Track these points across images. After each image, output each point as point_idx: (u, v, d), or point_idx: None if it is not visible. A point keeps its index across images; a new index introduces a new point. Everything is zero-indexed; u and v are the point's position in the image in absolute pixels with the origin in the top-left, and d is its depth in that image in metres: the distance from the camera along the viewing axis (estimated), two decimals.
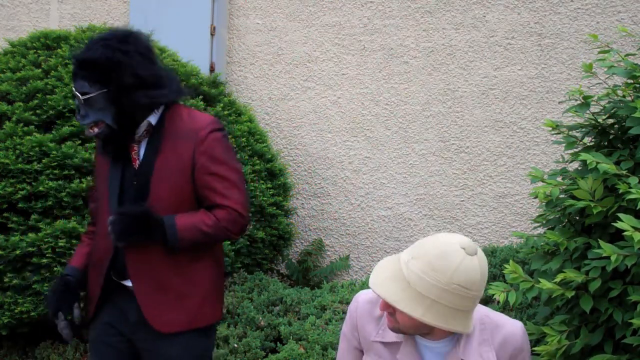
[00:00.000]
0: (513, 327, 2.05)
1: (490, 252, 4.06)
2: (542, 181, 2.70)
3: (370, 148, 4.84)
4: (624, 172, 2.48)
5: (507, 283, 2.78)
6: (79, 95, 2.35)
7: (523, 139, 4.54)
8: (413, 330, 1.94)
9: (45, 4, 5.62)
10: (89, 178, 3.71)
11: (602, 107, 2.80)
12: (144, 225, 2.36)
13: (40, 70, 4.01)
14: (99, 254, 2.52)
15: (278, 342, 3.74)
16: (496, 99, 4.58)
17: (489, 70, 4.58)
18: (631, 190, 2.37)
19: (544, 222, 2.84)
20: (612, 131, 2.77)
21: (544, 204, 2.79)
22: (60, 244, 3.58)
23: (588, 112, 2.78)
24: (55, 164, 3.72)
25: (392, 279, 1.89)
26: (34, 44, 4.19)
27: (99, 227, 2.54)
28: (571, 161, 2.78)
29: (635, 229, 2.33)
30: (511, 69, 4.54)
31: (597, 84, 3.58)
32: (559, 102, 4.18)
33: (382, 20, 4.79)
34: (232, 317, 3.88)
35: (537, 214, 2.94)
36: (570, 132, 2.82)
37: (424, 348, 2.03)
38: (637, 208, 2.37)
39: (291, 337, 3.68)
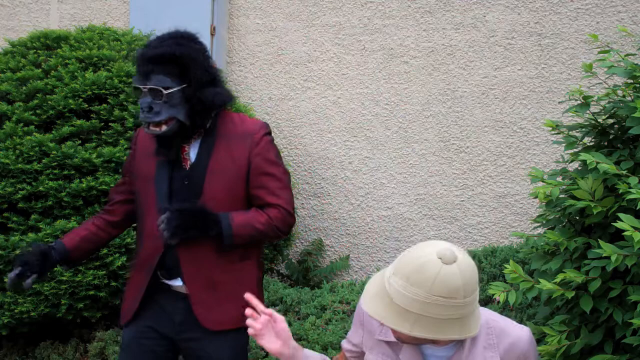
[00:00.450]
0: (520, 333, 2.01)
1: (490, 252, 4.06)
2: (542, 181, 2.71)
3: (370, 148, 4.84)
4: (624, 172, 2.48)
5: (507, 283, 2.78)
6: (162, 90, 2.38)
7: (523, 139, 4.54)
8: (416, 341, 1.91)
9: (45, 4, 5.62)
10: (89, 178, 3.71)
11: (602, 107, 2.80)
12: (201, 221, 2.41)
13: (40, 70, 4.01)
14: (145, 254, 2.53)
15: None
16: (496, 99, 4.58)
17: (489, 70, 4.58)
18: (631, 190, 2.37)
19: (544, 222, 2.84)
20: (612, 131, 2.77)
21: (544, 204, 2.79)
22: None
23: (588, 112, 2.78)
24: (55, 164, 3.72)
25: (378, 295, 1.87)
26: (34, 44, 4.20)
27: (143, 228, 2.55)
28: (571, 161, 2.78)
29: (635, 229, 2.33)
30: (511, 69, 4.54)
31: (597, 84, 3.58)
32: (559, 102, 4.18)
33: (382, 20, 4.79)
34: None
35: (537, 214, 2.94)
36: (570, 132, 2.82)
37: (427, 350, 2.01)
38: (637, 208, 2.37)
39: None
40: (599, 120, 2.81)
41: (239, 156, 2.48)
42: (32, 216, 3.68)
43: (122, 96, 3.90)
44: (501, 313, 3.60)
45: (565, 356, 2.58)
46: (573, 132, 2.84)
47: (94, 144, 3.83)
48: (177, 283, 2.53)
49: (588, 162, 2.51)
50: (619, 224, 2.34)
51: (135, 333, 2.58)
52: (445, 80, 4.67)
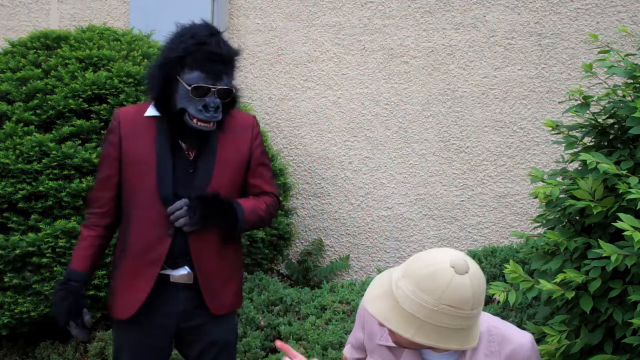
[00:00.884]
0: (522, 340, 1.99)
1: (490, 252, 4.06)
2: (542, 181, 2.70)
3: (370, 148, 4.84)
4: (624, 172, 2.48)
5: (507, 283, 2.78)
6: (233, 90, 2.52)
7: (523, 139, 4.54)
8: (414, 347, 1.89)
9: (45, 4, 5.62)
10: (89, 178, 3.71)
11: (602, 107, 2.80)
12: (223, 209, 2.50)
13: (40, 70, 4.01)
14: (144, 244, 2.51)
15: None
16: (496, 99, 4.58)
17: (489, 70, 4.58)
18: (631, 190, 2.37)
19: (544, 222, 2.84)
20: (612, 131, 2.77)
21: (544, 204, 2.79)
22: (60, 244, 3.58)
23: (588, 112, 2.78)
24: (55, 164, 3.72)
25: (383, 296, 1.84)
26: (34, 44, 4.20)
27: (137, 216, 2.52)
28: (571, 161, 2.78)
29: (635, 228, 2.33)
30: (511, 69, 4.54)
31: (597, 84, 3.58)
32: (559, 102, 4.18)
33: (382, 20, 4.79)
34: None
35: (537, 214, 2.94)
36: (570, 132, 2.82)
37: (428, 355, 2.00)
38: (637, 208, 2.37)
39: (291, 337, 3.69)
40: (599, 120, 2.81)
41: (242, 147, 2.60)
42: (32, 216, 3.68)
43: (122, 96, 3.90)
44: (501, 313, 3.60)
45: (565, 356, 2.57)
46: (573, 132, 2.84)
47: (94, 144, 3.83)
48: (182, 272, 2.53)
49: (588, 162, 2.51)
50: (619, 224, 2.34)
51: (143, 333, 2.57)
52: (445, 80, 4.67)
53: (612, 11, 4.37)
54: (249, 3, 5.08)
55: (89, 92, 3.88)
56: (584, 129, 2.81)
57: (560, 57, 4.45)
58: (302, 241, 5.02)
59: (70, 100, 3.85)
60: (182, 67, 2.45)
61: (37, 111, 3.86)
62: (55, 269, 3.60)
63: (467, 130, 4.64)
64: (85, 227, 2.60)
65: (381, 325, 1.87)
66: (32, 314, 3.64)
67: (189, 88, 2.43)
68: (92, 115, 3.90)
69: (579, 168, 2.76)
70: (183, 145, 2.54)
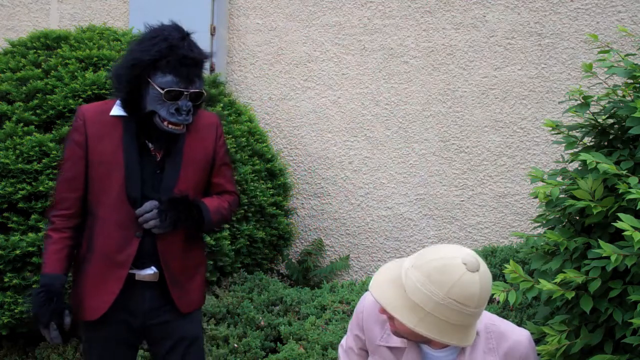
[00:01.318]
0: (519, 337, 2.01)
1: (490, 252, 4.06)
2: (542, 181, 2.71)
3: (370, 148, 4.84)
4: (624, 172, 2.48)
5: (507, 283, 2.78)
6: (204, 93, 2.49)
7: (523, 139, 4.54)
8: (412, 337, 1.92)
9: (45, 4, 5.62)
10: None
11: (602, 107, 2.80)
12: (191, 211, 2.51)
13: (40, 70, 4.01)
14: (111, 246, 2.49)
15: (278, 342, 3.74)
16: (496, 99, 4.58)
17: (489, 70, 4.58)
18: (631, 190, 2.37)
19: (544, 222, 2.84)
20: (612, 131, 2.77)
21: (544, 204, 2.79)
22: None
23: (588, 112, 2.78)
24: (55, 164, 3.72)
25: (391, 284, 1.87)
26: (34, 44, 4.19)
27: (103, 217, 2.50)
28: (571, 161, 2.78)
29: (635, 229, 2.33)
30: (511, 69, 4.54)
31: (597, 84, 3.58)
32: (559, 102, 4.18)
33: (382, 20, 4.79)
34: (232, 317, 3.88)
35: (537, 214, 2.94)
36: (570, 132, 2.82)
37: (428, 355, 2.01)
38: (637, 208, 2.37)
39: (291, 337, 3.69)
40: (599, 120, 2.81)
41: (208, 147, 2.62)
42: (32, 216, 3.68)
43: None
44: (501, 313, 3.60)
45: (565, 356, 2.58)
46: (573, 132, 2.84)
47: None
48: (148, 272, 2.54)
49: (588, 162, 2.51)
50: (619, 224, 2.34)
51: (112, 331, 2.57)
52: (445, 80, 4.67)
53: (612, 11, 4.37)
54: (249, 3, 5.08)
55: (89, 92, 3.88)
56: (584, 129, 2.81)
57: (560, 57, 4.45)
58: (302, 241, 5.02)
59: (70, 100, 3.85)
60: (155, 70, 2.42)
61: (37, 111, 3.86)
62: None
63: (467, 130, 4.64)
64: (54, 230, 2.54)
65: (382, 312, 1.89)
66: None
67: (162, 92, 2.41)
68: None
69: (579, 168, 2.76)
70: (150, 146, 2.53)
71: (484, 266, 1.85)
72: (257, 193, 4.27)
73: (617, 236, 2.53)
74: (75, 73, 3.95)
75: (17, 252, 3.56)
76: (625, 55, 2.80)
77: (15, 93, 3.93)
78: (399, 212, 4.79)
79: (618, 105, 2.69)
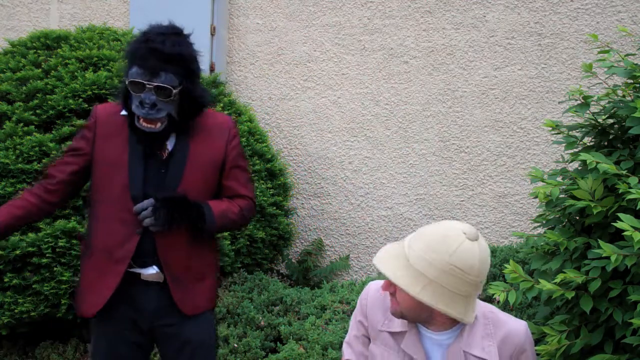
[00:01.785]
0: (516, 325, 2.07)
1: (491, 252, 4.06)
2: (542, 181, 2.71)
3: (370, 148, 4.84)
4: (624, 172, 2.48)
5: (507, 283, 2.78)
6: (172, 89, 2.41)
7: (523, 139, 4.54)
8: (413, 313, 1.98)
9: (45, 4, 5.62)
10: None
11: (602, 107, 2.80)
12: (187, 210, 2.47)
13: (40, 70, 4.01)
14: (111, 242, 2.50)
15: (278, 342, 3.74)
16: (496, 99, 4.58)
17: (489, 70, 4.58)
18: (631, 190, 2.37)
19: (544, 222, 2.84)
20: (612, 131, 2.77)
21: (544, 204, 2.79)
22: (60, 244, 3.58)
23: (588, 112, 2.78)
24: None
25: (394, 257, 1.97)
26: (34, 44, 4.20)
27: (106, 214, 2.52)
28: (571, 161, 2.78)
29: (635, 229, 2.33)
30: (511, 69, 4.54)
31: (597, 84, 3.58)
32: (559, 102, 4.18)
33: (382, 20, 4.79)
34: (232, 317, 3.88)
35: (537, 214, 2.94)
36: (570, 132, 2.82)
37: (427, 339, 2.07)
38: (637, 208, 2.37)
39: (291, 337, 3.69)
40: (599, 120, 2.81)
41: (217, 148, 2.57)
42: None
43: None
44: None
45: (565, 356, 2.58)
46: (573, 132, 2.84)
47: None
48: (151, 271, 2.54)
49: (588, 162, 2.51)
50: (619, 224, 2.34)
51: (117, 327, 2.57)
52: (445, 80, 4.67)
53: (612, 11, 4.37)
54: (249, 3, 5.08)
55: (89, 92, 3.88)
56: (584, 129, 2.81)
57: (560, 57, 4.45)
58: (302, 241, 5.02)
59: (70, 100, 3.85)
60: (129, 64, 2.46)
61: (37, 111, 3.86)
62: (55, 269, 3.60)
63: (467, 130, 4.64)
64: (27, 191, 2.56)
65: (387, 289, 1.97)
66: (32, 314, 3.64)
67: (127, 83, 2.44)
68: None
69: (579, 168, 2.76)
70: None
71: (482, 239, 1.96)
72: (257, 193, 4.27)
73: (617, 236, 2.53)
74: (75, 73, 3.95)
75: (17, 252, 3.56)
76: (625, 55, 2.80)
77: (15, 93, 3.93)
78: (399, 212, 4.79)
79: (618, 105, 2.69)
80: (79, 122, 3.82)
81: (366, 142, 4.85)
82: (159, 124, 2.44)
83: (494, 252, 4.06)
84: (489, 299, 3.74)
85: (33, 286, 3.62)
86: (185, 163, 2.52)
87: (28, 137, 3.74)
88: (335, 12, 4.90)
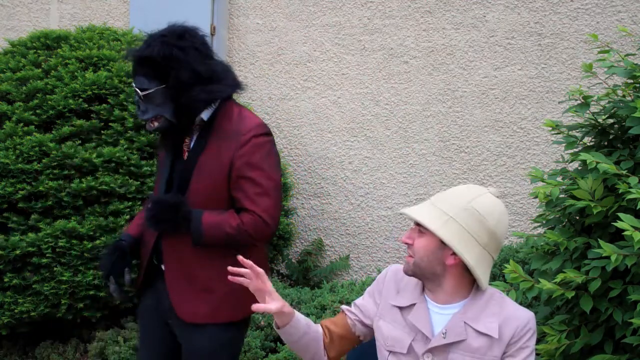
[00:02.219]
0: (522, 311, 2.08)
1: None
2: (542, 181, 2.71)
3: (370, 148, 4.84)
4: (624, 172, 2.49)
5: (507, 283, 2.78)
6: (139, 91, 2.43)
7: (523, 139, 4.54)
8: (426, 263, 2.05)
9: (45, 4, 5.62)
10: (89, 178, 3.71)
11: (602, 107, 2.81)
12: (172, 215, 2.44)
13: (40, 70, 4.01)
14: (148, 236, 2.60)
15: (278, 342, 3.74)
16: (496, 99, 4.58)
17: (489, 70, 4.58)
18: (631, 190, 2.37)
19: (544, 222, 2.84)
20: (612, 131, 2.77)
21: (544, 204, 2.79)
22: (60, 244, 3.58)
23: (588, 112, 2.78)
24: (55, 164, 3.72)
25: (420, 206, 2.11)
26: (34, 44, 4.20)
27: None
28: (571, 161, 2.78)
29: (635, 228, 2.33)
30: (511, 69, 4.54)
31: (597, 84, 3.58)
32: (559, 102, 4.18)
33: (382, 20, 4.79)
34: None
35: (537, 214, 2.94)
36: (570, 132, 2.82)
37: (434, 314, 2.10)
38: (637, 208, 2.37)
39: None
40: (599, 120, 2.81)
41: (225, 155, 2.45)
42: (32, 216, 3.68)
43: (122, 96, 3.90)
44: None
45: (565, 356, 2.58)
46: (573, 132, 2.84)
47: (94, 144, 3.83)
48: (163, 268, 2.59)
49: (588, 162, 2.51)
50: (619, 224, 2.34)
51: (144, 303, 2.67)
52: (445, 80, 4.67)
53: (612, 11, 4.37)
54: (249, 3, 5.08)
55: (89, 92, 3.88)
56: (584, 129, 2.81)
57: (560, 57, 4.45)
58: (302, 241, 5.02)
59: (70, 100, 3.85)
60: None
61: (37, 111, 3.86)
62: (55, 269, 3.60)
63: (467, 130, 4.64)
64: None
65: (407, 239, 2.10)
66: (32, 314, 3.64)
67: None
68: (92, 115, 3.90)
69: (579, 168, 2.76)
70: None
71: (502, 203, 2.09)
72: None
73: (617, 236, 2.54)
74: (75, 73, 3.95)
75: (17, 252, 3.57)
76: (625, 55, 2.80)
77: (15, 93, 3.93)
78: (399, 212, 4.79)
79: (618, 105, 2.69)
80: (79, 122, 3.82)
81: (366, 142, 4.85)
82: (155, 124, 2.47)
83: None
84: None
85: (33, 286, 3.62)
86: (194, 168, 2.48)
87: (28, 137, 3.74)
88: (335, 12, 4.90)
